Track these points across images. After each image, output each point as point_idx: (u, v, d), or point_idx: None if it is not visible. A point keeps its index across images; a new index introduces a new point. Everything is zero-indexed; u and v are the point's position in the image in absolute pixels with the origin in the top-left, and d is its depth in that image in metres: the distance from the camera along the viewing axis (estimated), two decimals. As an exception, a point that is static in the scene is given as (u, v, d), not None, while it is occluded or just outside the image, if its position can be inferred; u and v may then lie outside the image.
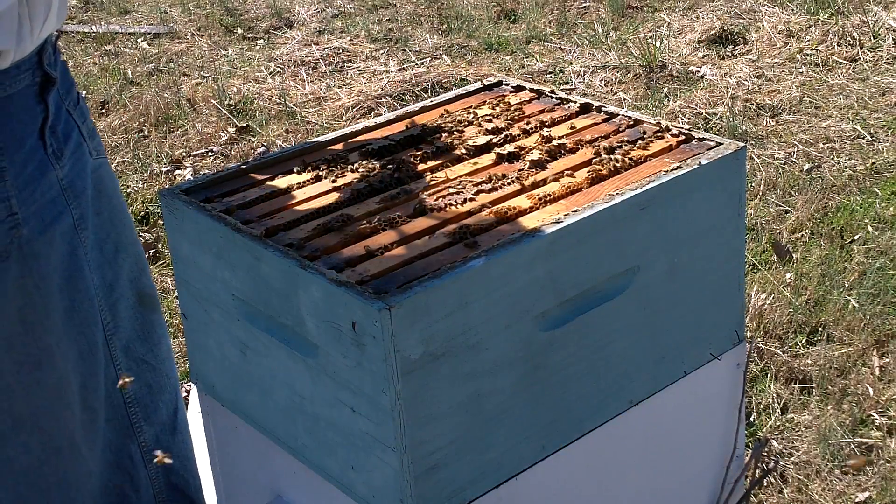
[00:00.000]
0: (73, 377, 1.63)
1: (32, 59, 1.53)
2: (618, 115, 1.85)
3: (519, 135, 1.80)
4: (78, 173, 1.61)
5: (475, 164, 1.71)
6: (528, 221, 1.52)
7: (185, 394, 2.31)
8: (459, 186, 1.64)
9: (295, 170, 1.75)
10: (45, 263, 1.56)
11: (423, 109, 1.95)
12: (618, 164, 1.65)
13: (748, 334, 2.89)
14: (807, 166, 3.83)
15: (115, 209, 1.71)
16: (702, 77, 4.58)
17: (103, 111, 4.72)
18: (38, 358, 1.59)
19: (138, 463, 1.74)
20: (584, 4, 5.54)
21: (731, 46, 4.88)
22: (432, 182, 1.66)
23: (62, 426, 1.64)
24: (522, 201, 1.58)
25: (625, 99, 4.47)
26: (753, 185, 3.70)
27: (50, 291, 1.58)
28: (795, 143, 3.99)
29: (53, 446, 1.64)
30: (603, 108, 1.87)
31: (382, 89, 4.70)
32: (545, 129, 1.81)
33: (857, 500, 2.42)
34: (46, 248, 1.56)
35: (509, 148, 1.74)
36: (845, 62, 4.62)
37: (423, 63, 5.00)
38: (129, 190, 3.98)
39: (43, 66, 1.55)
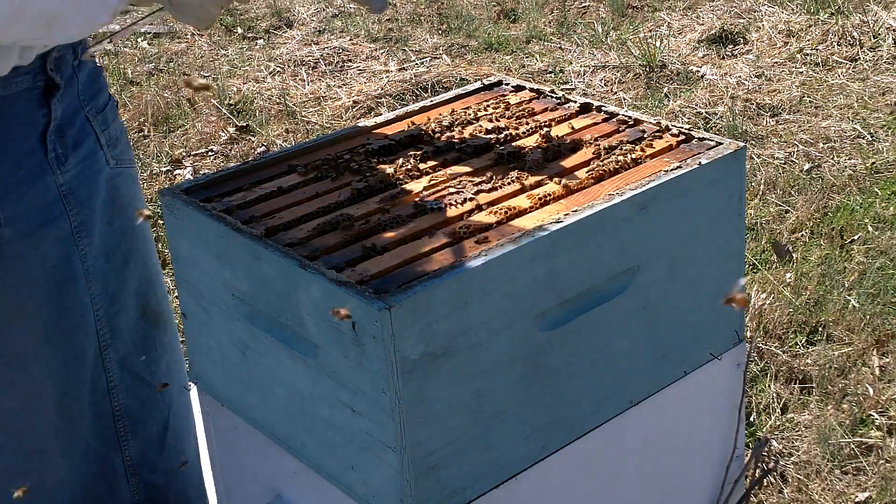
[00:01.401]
0: (50, 383, 1.60)
1: (35, 63, 1.51)
2: (618, 114, 1.85)
3: (519, 135, 1.80)
4: (85, 180, 1.59)
5: (475, 164, 1.71)
6: (528, 221, 1.52)
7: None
8: (459, 186, 1.64)
9: (295, 170, 1.75)
10: (27, 266, 1.54)
11: (423, 109, 1.95)
12: (618, 164, 1.65)
13: (748, 334, 2.89)
14: (807, 166, 3.83)
15: (129, 220, 1.68)
16: (702, 77, 4.58)
17: (103, 111, 4.73)
18: (10, 359, 1.57)
19: (121, 476, 1.71)
20: (584, 4, 5.54)
21: (731, 46, 4.88)
22: (432, 182, 1.66)
23: (34, 430, 1.61)
24: (522, 201, 1.58)
25: (625, 99, 4.47)
26: (753, 185, 3.70)
27: (32, 295, 1.55)
28: (795, 143, 3.99)
29: (24, 450, 1.62)
30: (603, 108, 1.87)
31: (382, 89, 4.71)
32: (545, 128, 1.81)
33: (857, 500, 2.42)
34: (31, 251, 1.54)
35: (509, 148, 1.74)
36: (845, 62, 4.62)
37: (423, 63, 5.00)
38: (129, 190, 3.98)
39: (47, 72, 1.54)
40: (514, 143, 1.76)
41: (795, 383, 2.77)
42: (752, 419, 2.66)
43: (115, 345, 1.66)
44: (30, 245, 1.54)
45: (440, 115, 1.90)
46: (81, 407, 1.65)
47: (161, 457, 1.77)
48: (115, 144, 1.67)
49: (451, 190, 1.63)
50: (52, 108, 1.55)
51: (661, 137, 1.75)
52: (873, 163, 3.82)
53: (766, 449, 2.46)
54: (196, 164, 4.25)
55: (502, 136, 1.79)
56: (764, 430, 2.63)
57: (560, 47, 5.06)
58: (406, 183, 1.67)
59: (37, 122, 1.54)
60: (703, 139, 1.73)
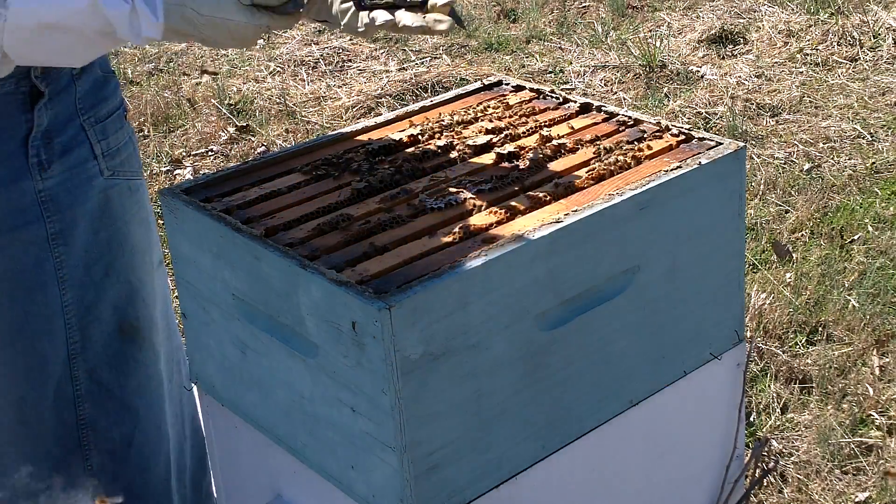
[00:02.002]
0: (9, 387, 1.58)
1: (20, 69, 1.50)
2: (618, 114, 1.85)
3: (519, 134, 1.80)
4: (70, 188, 1.58)
5: (475, 163, 1.71)
6: (528, 221, 1.52)
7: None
8: (459, 186, 1.64)
9: (295, 170, 1.75)
10: None
11: (423, 109, 1.95)
12: (618, 164, 1.65)
13: (748, 334, 2.89)
14: (807, 166, 3.83)
15: (118, 232, 1.66)
16: (702, 77, 4.58)
17: (103, 111, 4.73)
18: None
19: (80, 485, 1.70)
20: (584, 4, 5.54)
21: (731, 46, 4.88)
22: (432, 182, 1.66)
23: None
24: (522, 201, 1.58)
25: (625, 99, 4.47)
26: (753, 185, 3.70)
27: None
28: (795, 143, 3.99)
29: None
30: (603, 108, 1.87)
31: (382, 89, 4.71)
32: (545, 128, 1.81)
33: (856, 499, 2.42)
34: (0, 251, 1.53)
35: (509, 148, 1.74)
36: (845, 62, 4.62)
37: (423, 63, 5.00)
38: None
39: (31, 78, 1.53)
40: (514, 143, 1.76)
41: (795, 383, 2.77)
42: (752, 419, 2.66)
43: (84, 354, 1.64)
44: None
45: (440, 115, 1.91)
46: (42, 413, 1.63)
47: (123, 471, 1.75)
48: (114, 155, 1.65)
49: (451, 190, 1.63)
50: (37, 115, 1.54)
51: (661, 137, 1.75)
52: (873, 163, 3.82)
53: (766, 449, 2.46)
54: (196, 164, 4.25)
55: (502, 135, 1.79)
56: (764, 430, 2.63)
57: (560, 47, 5.06)
58: (406, 183, 1.67)
59: (19, 127, 1.53)
60: (703, 139, 1.73)
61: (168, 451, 1.81)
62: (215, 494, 1.93)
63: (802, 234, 3.42)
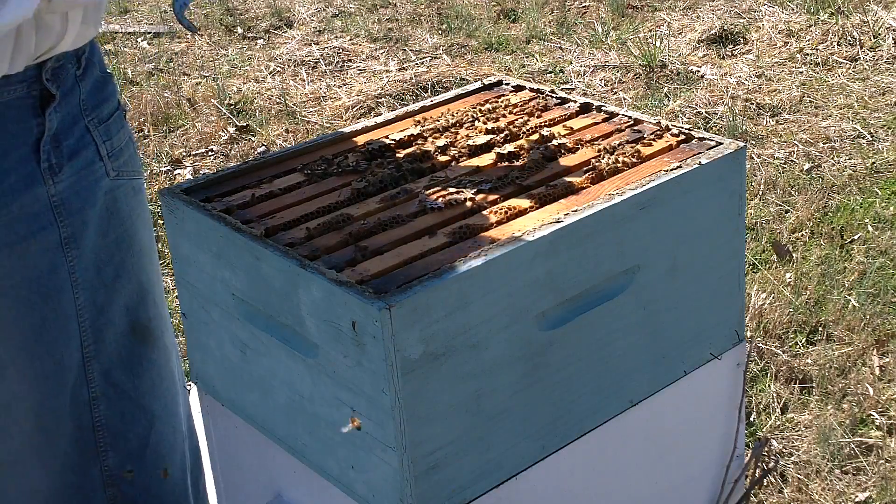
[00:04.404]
0: (28, 394, 1.57)
1: (29, 72, 1.49)
2: (618, 114, 1.85)
3: (519, 134, 1.80)
4: (79, 191, 1.57)
5: (475, 163, 1.71)
6: (528, 221, 1.52)
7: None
8: (459, 186, 1.64)
9: (295, 170, 1.75)
10: (10, 276, 1.52)
11: (423, 109, 1.95)
12: (618, 164, 1.65)
13: (748, 334, 2.89)
14: (807, 166, 3.83)
15: (125, 233, 1.65)
16: (702, 77, 4.58)
17: (103, 111, 4.72)
18: None
19: (98, 487, 1.68)
20: (584, 4, 5.54)
21: (731, 46, 4.88)
22: (432, 182, 1.66)
23: (9, 440, 1.59)
24: (522, 201, 1.58)
25: (625, 99, 4.47)
26: (753, 184, 3.70)
27: (13, 305, 1.53)
28: (795, 142, 3.99)
29: None
30: (603, 108, 1.88)
31: (382, 89, 4.71)
32: (545, 128, 1.81)
33: (856, 499, 2.42)
34: (14, 260, 1.52)
35: (509, 148, 1.74)
36: (845, 62, 4.62)
37: (423, 63, 5.00)
38: (129, 190, 3.97)
39: (42, 82, 1.52)
40: (514, 143, 1.76)
41: (795, 383, 2.77)
42: (752, 419, 2.66)
43: (99, 356, 1.64)
44: (13, 254, 1.52)
45: (440, 114, 1.91)
46: (60, 418, 1.62)
47: (139, 471, 1.74)
48: (117, 155, 1.65)
49: (451, 190, 1.63)
50: (48, 118, 1.53)
51: (661, 137, 1.75)
52: (873, 163, 3.82)
53: (766, 449, 2.46)
54: (196, 164, 4.25)
55: (502, 135, 1.79)
56: (764, 430, 2.63)
57: (560, 47, 5.06)
58: (406, 183, 1.67)
59: (30, 132, 1.52)
60: (703, 139, 1.73)
61: (184, 450, 1.81)
62: (214, 495, 1.93)
63: (802, 234, 3.42)
